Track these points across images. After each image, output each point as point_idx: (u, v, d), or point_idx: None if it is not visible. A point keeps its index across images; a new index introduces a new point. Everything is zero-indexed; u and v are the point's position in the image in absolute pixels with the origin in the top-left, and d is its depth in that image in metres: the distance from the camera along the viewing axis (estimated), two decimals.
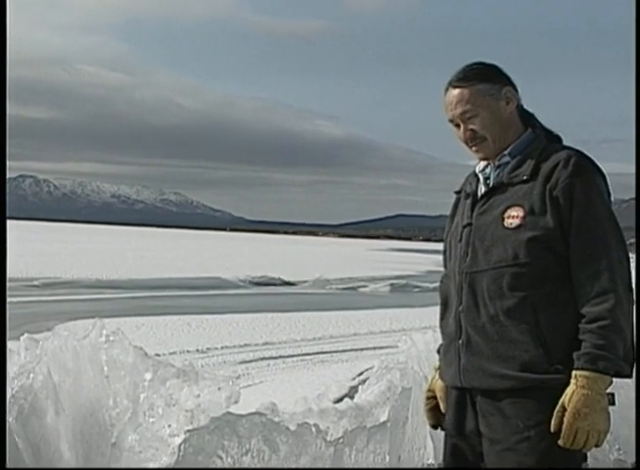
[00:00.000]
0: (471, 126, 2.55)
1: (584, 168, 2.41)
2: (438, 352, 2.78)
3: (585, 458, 2.43)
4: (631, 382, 2.70)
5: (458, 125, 2.58)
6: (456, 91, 2.55)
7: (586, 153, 2.47)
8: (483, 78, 2.54)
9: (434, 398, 2.81)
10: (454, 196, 2.77)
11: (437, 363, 2.79)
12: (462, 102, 2.53)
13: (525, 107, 2.63)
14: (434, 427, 2.83)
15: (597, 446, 2.32)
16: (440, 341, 2.75)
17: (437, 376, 2.77)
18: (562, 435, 2.28)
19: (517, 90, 2.59)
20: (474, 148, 2.59)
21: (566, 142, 2.60)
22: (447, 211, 2.79)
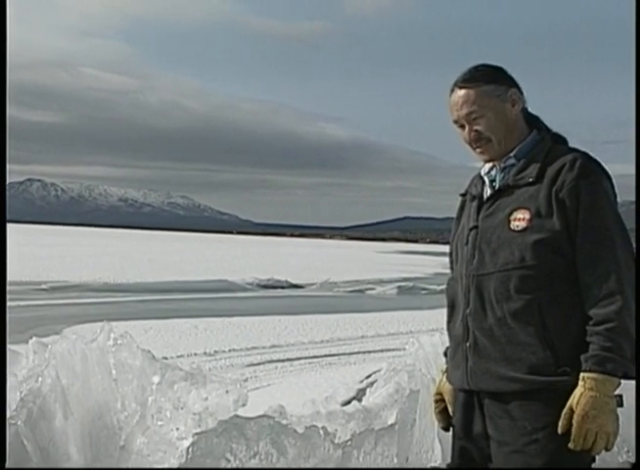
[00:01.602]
0: (476, 127, 2.55)
1: (590, 171, 2.41)
2: (445, 354, 2.78)
3: (593, 460, 2.43)
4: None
5: (463, 126, 2.58)
6: (462, 92, 2.55)
7: (592, 155, 2.47)
8: (490, 80, 2.54)
9: (443, 400, 2.81)
10: (460, 198, 2.77)
11: (445, 366, 2.79)
12: (467, 102, 2.53)
13: (529, 109, 2.63)
14: (446, 429, 2.82)
15: (607, 449, 2.32)
16: (448, 343, 2.75)
17: (445, 379, 2.77)
18: (571, 437, 2.28)
19: (522, 93, 2.59)
20: (478, 149, 2.58)
21: (569, 143, 2.60)
22: (454, 214, 2.78)
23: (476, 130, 2.55)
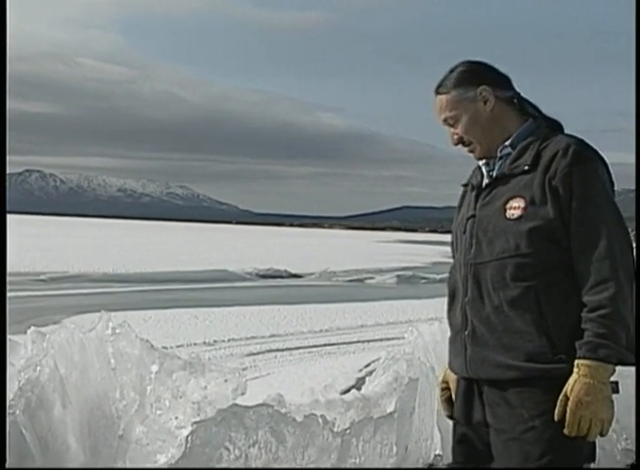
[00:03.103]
0: (455, 131, 2.61)
1: (583, 157, 2.40)
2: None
3: (594, 447, 2.44)
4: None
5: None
6: (437, 99, 2.63)
7: (587, 141, 2.47)
8: (457, 84, 2.58)
9: (449, 388, 2.82)
10: (460, 187, 2.79)
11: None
12: (442, 109, 2.61)
13: (522, 96, 2.63)
14: (451, 417, 2.83)
15: (602, 435, 2.33)
16: (448, 331, 2.75)
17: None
18: (566, 424, 2.29)
19: (504, 84, 2.59)
20: (466, 149, 2.64)
21: (567, 132, 2.60)
22: (453, 203, 2.80)
23: (456, 134, 2.61)
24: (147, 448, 2.45)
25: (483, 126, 2.56)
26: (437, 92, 2.62)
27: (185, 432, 2.41)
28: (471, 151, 2.62)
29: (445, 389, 2.84)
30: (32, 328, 2.54)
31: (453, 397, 2.78)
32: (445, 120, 2.60)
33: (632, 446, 3.64)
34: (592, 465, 2.48)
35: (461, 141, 2.60)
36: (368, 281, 31.04)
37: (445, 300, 2.73)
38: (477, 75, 2.58)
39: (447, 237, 2.80)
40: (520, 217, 2.42)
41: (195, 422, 2.41)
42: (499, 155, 2.58)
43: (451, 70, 2.61)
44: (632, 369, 2.44)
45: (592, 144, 2.47)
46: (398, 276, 32.00)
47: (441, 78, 2.62)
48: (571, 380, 2.30)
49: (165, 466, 2.40)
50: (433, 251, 64.22)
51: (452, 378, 2.77)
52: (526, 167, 2.46)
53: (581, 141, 2.46)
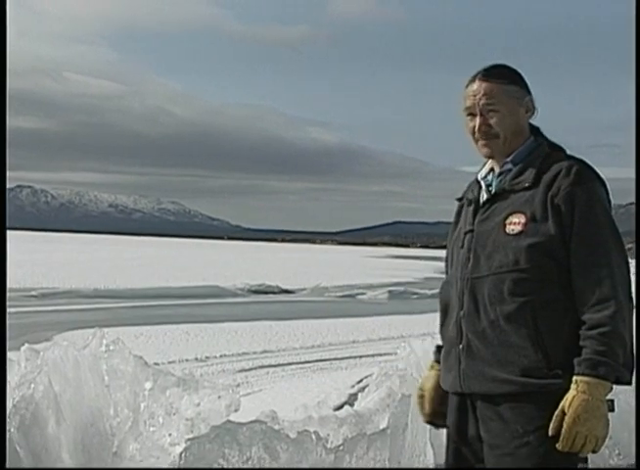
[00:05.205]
0: (488, 120, 2.57)
1: (586, 177, 2.45)
2: (435, 353, 2.81)
3: (586, 464, 2.44)
4: (631, 388, 2.71)
5: (474, 115, 2.60)
6: (485, 84, 2.58)
7: (588, 162, 2.50)
8: (512, 81, 2.59)
9: (423, 396, 2.82)
10: (451, 202, 2.80)
11: (431, 363, 2.81)
12: (488, 95, 2.56)
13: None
14: (431, 423, 2.83)
15: (594, 451, 2.33)
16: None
17: (430, 375, 2.78)
18: (561, 438, 2.30)
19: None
20: (482, 142, 2.61)
21: None
22: (445, 218, 2.82)
23: (487, 123, 2.58)
24: (140, 465, 2.45)
25: (516, 128, 2.58)
26: (489, 79, 2.58)
27: (178, 449, 2.41)
28: (485, 145, 2.59)
29: (422, 396, 2.84)
30: (26, 345, 2.54)
31: (426, 406, 2.79)
32: (486, 105, 2.56)
33: (624, 462, 3.65)
34: None
35: (487, 131, 2.57)
36: (360, 296, 30.97)
37: (437, 315, 2.74)
38: (526, 85, 2.63)
39: (439, 252, 2.82)
40: (520, 233, 2.44)
41: (188, 439, 2.42)
42: (499, 171, 2.60)
43: (501, 67, 2.62)
44: (625, 386, 2.45)
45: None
46: (390, 292, 31.93)
47: (489, 68, 2.60)
48: (568, 396, 2.31)
49: None
50: (424, 266, 64.14)
51: (428, 387, 2.79)
52: (527, 184, 2.48)
53: (583, 162, 2.50)
